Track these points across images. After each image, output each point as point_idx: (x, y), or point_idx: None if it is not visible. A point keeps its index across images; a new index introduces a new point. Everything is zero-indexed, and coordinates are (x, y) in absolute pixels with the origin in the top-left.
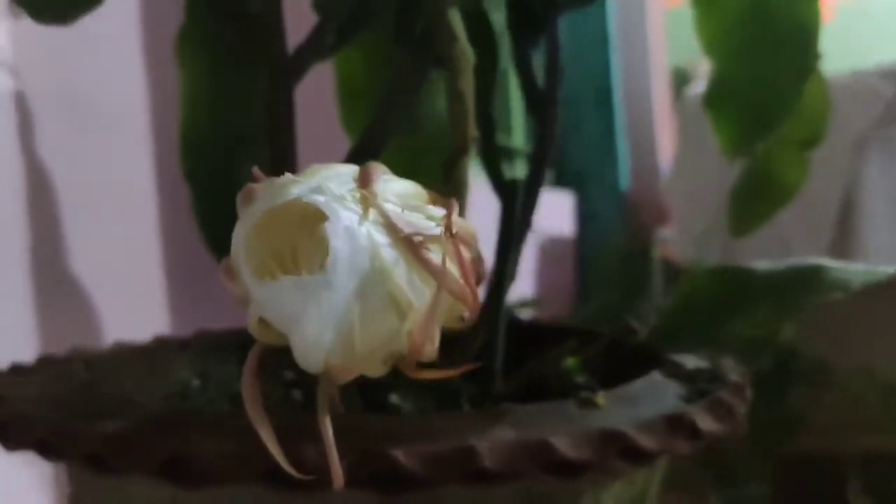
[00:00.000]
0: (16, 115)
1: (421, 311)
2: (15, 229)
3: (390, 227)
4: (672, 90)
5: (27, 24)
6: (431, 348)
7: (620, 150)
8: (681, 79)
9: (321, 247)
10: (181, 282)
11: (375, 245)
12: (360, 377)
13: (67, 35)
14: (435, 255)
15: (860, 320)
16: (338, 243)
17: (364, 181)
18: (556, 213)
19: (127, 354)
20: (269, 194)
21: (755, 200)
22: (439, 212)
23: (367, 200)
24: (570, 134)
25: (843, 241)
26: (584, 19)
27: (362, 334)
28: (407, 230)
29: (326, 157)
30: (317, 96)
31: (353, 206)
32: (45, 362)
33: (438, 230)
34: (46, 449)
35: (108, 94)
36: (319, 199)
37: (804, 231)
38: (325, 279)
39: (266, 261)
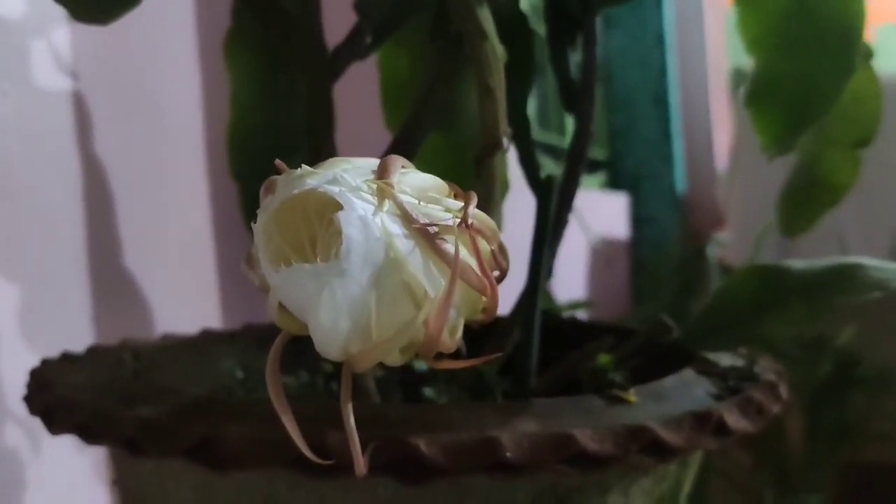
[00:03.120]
0: (74, 114)
1: (437, 301)
2: (72, 224)
3: (406, 217)
4: (730, 91)
5: (86, 28)
6: (449, 339)
7: (677, 152)
8: (739, 80)
9: (336, 236)
10: (232, 276)
11: (390, 235)
12: (399, 371)
13: (124, 38)
14: (450, 246)
15: None
16: (351, 232)
17: (382, 173)
18: (611, 215)
19: (175, 346)
20: (287, 185)
21: (805, 201)
22: (458, 204)
23: (383, 191)
24: (626, 136)
25: None
26: (642, 23)
27: (378, 323)
28: (422, 221)
29: (371, 155)
30: (362, 95)
31: (368, 196)
32: (95, 352)
33: (454, 221)
34: (87, 433)
35: (162, 94)
36: (334, 189)
37: (864, 233)
38: (339, 266)
39: (283, 249)
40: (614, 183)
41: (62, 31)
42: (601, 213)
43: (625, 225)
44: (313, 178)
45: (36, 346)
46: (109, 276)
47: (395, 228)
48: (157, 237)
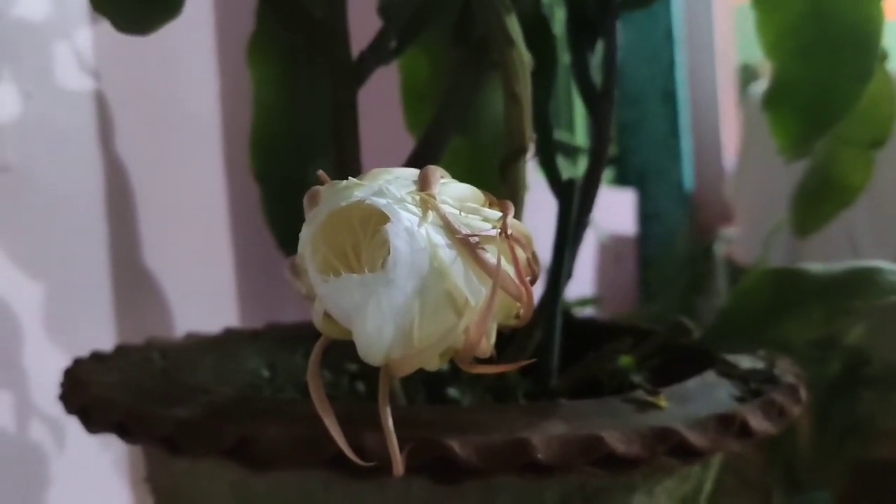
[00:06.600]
0: (96, 114)
1: (477, 309)
2: (94, 225)
3: (448, 228)
4: (738, 87)
5: (108, 29)
6: (487, 344)
7: (685, 148)
8: (747, 76)
9: (382, 247)
10: (250, 276)
11: (434, 246)
12: (423, 372)
13: (145, 40)
14: (491, 255)
15: None
16: (398, 243)
17: (424, 184)
18: (618, 211)
19: (200, 344)
20: (333, 197)
21: (818, 201)
22: (495, 214)
23: (427, 203)
24: (634, 132)
25: None
26: (651, 18)
27: (421, 330)
28: (464, 232)
29: (391, 158)
30: (383, 99)
31: (413, 208)
32: (123, 351)
33: (494, 232)
34: (124, 431)
35: (182, 96)
36: (381, 201)
37: (874, 233)
38: (386, 277)
39: (330, 259)
40: (622, 179)
41: (85, 33)
42: (609, 209)
43: (632, 221)
44: (359, 189)
45: (59, 343)
46: (130, 275)
47: (439, 239)
48: (177, 236)
